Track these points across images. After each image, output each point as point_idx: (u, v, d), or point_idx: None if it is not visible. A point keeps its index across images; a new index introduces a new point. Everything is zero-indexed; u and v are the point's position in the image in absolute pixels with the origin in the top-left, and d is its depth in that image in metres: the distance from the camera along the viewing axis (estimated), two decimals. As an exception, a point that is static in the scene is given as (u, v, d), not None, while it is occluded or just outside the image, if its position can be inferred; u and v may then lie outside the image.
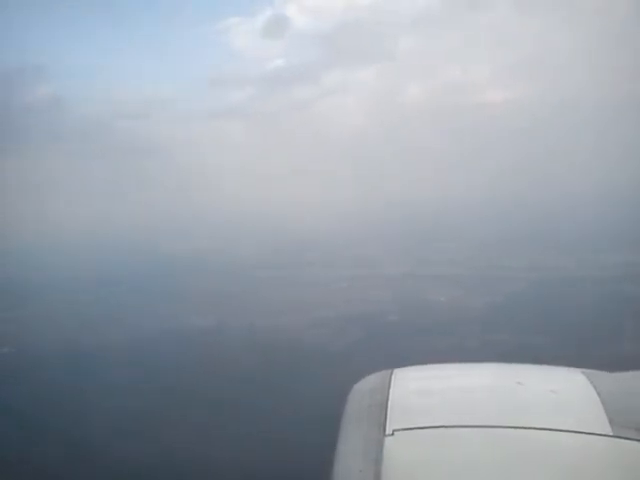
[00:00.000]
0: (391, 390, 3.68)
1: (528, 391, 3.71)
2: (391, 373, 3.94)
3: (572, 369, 4.10)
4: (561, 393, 3.63)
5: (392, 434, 3.23)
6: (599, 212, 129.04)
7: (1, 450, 39.64)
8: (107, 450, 39.38)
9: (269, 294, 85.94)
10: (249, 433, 40.53)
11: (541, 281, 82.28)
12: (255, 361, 53.16)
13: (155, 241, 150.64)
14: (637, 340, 49.09)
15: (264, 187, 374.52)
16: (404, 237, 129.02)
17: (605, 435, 3.17)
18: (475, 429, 3.28)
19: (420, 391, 3.78)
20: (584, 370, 4.02)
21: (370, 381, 3.94)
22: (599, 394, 3.52)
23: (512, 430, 3.24)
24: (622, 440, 3.13)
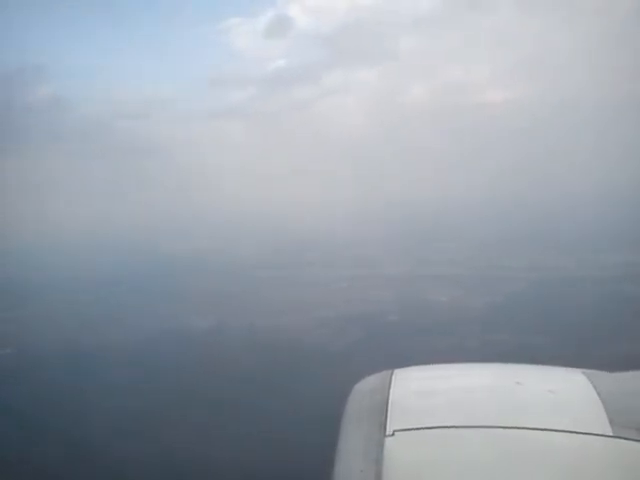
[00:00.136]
0: (391, 390, 3.68)
1: (528, 391, 3.71)
2: (391, 373, 3.94)
3: (572, 369, 4.10)
4: (561, 393, 3.63)
5: (392, 434, 3.23)
6: (599, 212, 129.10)
7: (4, 450, 39.60)
8: (108, 450, 39.40)
9: (269, 294, 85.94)
10: (249, 433, 40.53)
11: (541, 281, 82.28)
12: (255, 361, 53.19)
13: (155, 241, 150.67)
14: (637, 340, 49.14)
15: (265, 187, 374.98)
16: (404, 237, 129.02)
17: (605, 435, 3.17)
18: (475, 429, 3.28)
19: (420, 391, 3.78)
20: (584, 370, 4.02)
21: (370, 381, 3.94)
22: (599, 394, 3.52)
23: (512, 430, 3.25)
24: (622, 440, 3.13)
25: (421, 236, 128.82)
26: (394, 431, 3.25)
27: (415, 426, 3.32)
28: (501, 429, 3.26)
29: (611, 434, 3.17)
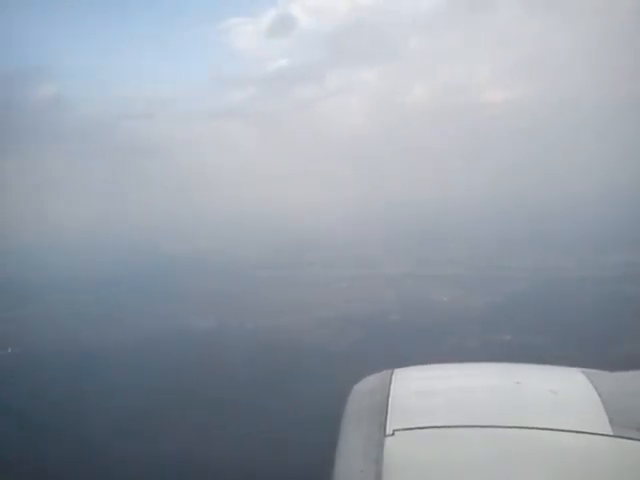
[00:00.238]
0: (391, 390, 3.68)
1: (528, 391, 3.72)
2: (391, 373, 3.94)
3: (572, 369, 4.11)
4: (561, 393, 3.63)
5: (392, 434, 3.23)
6: (599, 212, 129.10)
7: (9, 450, 39.60)
8: (110, 449, 39.39)
9: (269, 294, 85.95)
10: (249, 433, 40.55)
11: (541, 281, 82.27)
12: (255, 361, 53.16)
13: (155, 241, 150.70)
14: (637, 340, 49.15)
15: (265, 187, 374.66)
16: (404, 237, 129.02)
17: (605, 435, 3.17)
18: (475, 429, 3.28)
19: (420, 391, 3.79)
20: (584, 370, 4.02)
21: (370, 381, 3.94)
22: (599, 394, 3.52)
23: (512, 430, 3.25)
24: (622, 440, 3.13)
25: (421, 236, 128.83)
26: (394, 431, 3.25)
27: (415, 426, 3.32)
28: (501, 429, 3.26)
29: (611, 434, 3.17)
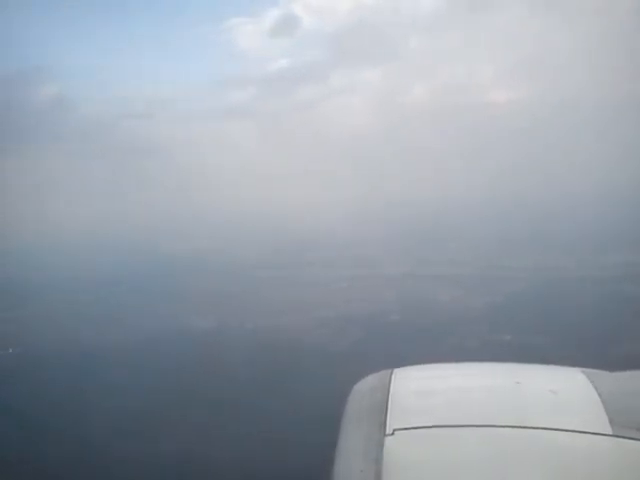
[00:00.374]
0: (391, 390, 3.68)
1: (528, 390, 3.72)
2: (391, 373, 3.94)
3: (572, 368, 4.11)
4: (561, 392, 3.63)
5: (392, 434, 3.23)
6: (599, 212, 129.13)
7: (14, 450, 39.62)
8: (112, 449, 39.42)
9: (269, 294, 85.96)
10: (249, 433, 40.57)
11: (541, 281, 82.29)
12: (255, 361, 53.16)
13: (155, 241, 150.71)
14: (637, 340, 49.16)
15: (266, 187, 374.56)
16: (404, 237, 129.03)
17: (605, 434, 3.17)
18: (475, 429, 3.28)
19: (420, 391, 3.79)
20: (584, 369, 4.02)
21: (370, 381, 3.95)
22: (599, 394, 3.52)
23: (512, 430, 3.25)
24: (622, 440, 3.13)
25: (421, 236, 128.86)
26: (394, 430, 3.25)
27: (415, 425, 3.32)
28: (501, 428, 3.26)
29: (611, 433, 3.17)
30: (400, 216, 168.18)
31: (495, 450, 3.14)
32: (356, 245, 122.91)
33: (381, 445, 3.15)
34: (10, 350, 64.50)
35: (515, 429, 3.24)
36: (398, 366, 4.09)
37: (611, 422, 3.24)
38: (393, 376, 3.89)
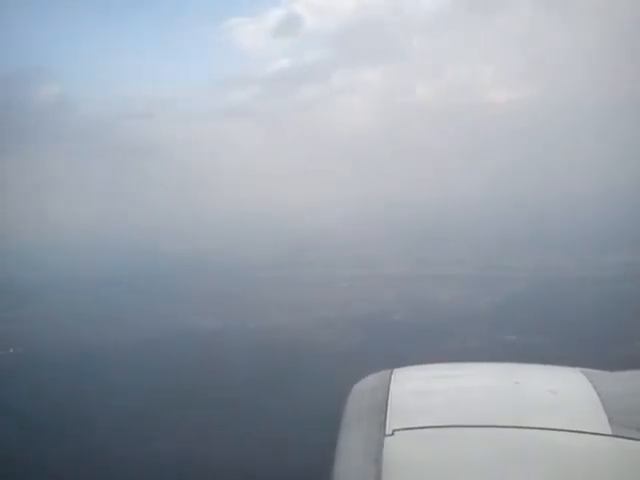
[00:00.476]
0: (391, 390, 3.68)
1: (528, 390, 3.72)
2: (391, 373, 3.95)
3: (572, 369, 4.11)
4: (561, 392, 3.63)
5: (392, 434, 3.23)
6: (599, 212, 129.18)
7: (18, 451, 39.64)
8: (112, 449, 39.44)
9: (270, 294, 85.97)
10: (249, 433, 40.56)
11: (541, 281, 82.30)
12: (257, 361, 53.14)
13: (155, 241, 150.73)
14: (637, 340, 49.19)
15: (267, 187, 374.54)
16: (404, 237, 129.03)
17: (605, 435, 3.17)
18: (475, 429, 3.29)
19: (420, 391, 3.79)
20: (584, 369, 4.03)
21: (370, 381, 3.95)
22: (599, 394, 3.52)
23: (512, 430, 3.25)
24: (622, 440, 3.13)
25: (421, 236, 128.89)
26: (394, 430, 3.25)
27: (415, 425, 3.33)
28: (501, 428, 3.27)
29: (611, 433, 3.17)
30: (400, 216, 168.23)
31: (495, 450, 3.14)
32: (356, 245, 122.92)
33: (381, 445, 3.15)
34: (11, 350, 64.50)
35: (515, 429, 3.25)
36: (399, 366, 4.09)
37: (611, 422, 3.24)
38: (393, 376, 3.89)
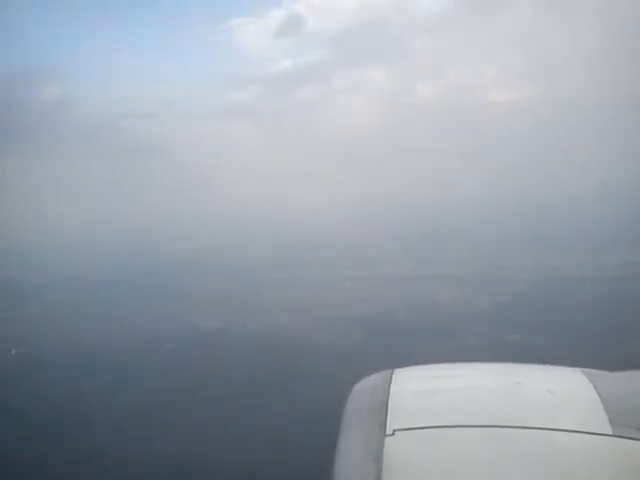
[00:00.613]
0: (391, 390, 3.69)
1: (528, 390, 3.72)
2: (391, 373, 3.95)
3: (572, 368, 4.11)
4: (561, 392, 3.64)
5: (392, 434, 3.23)
6: (599, 212, 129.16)
7: (27, 453, 39.64)
8: (113, 449, 39.43)
9: (270, 294, 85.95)
10: (249, 433, 40.54)
11: (541, 281, 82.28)
12: (257, 361, 53.12)
13: (155, 241, 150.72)
14: (637, 340, 49.19)
15: (268, 187, 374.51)
16: (404, 237, 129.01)
17: (605, 434, 3.17)
18: (476, 429, 3.29)
19: (420, 391, 3.80)
20: (584, 369, 4.03)
21: (370, 381, 3.95)
22: (599, 393, 3.52)
23: (512, 430, 3.25)
24: (622, 440, 3.14)
25: (421, 236, 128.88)
26: (394, 430, 3.26)
27: (415, 426, 3.33)
28: (501, 428, 3.27)
29: (611, 433, 3.17)
30: (400, 216, 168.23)
31: (495, 450, 3.14)
32: (356, 245, 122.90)
33: (381, 445, 3.15)
34: (13, 351, 64.44)
35: (515, 429, 3.25)
36: (399, 366, 4.09)
37: (611, 422, 3.24)
38: (393, 376, 3.89)
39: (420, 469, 3.09)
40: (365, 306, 75.85)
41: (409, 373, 4.07)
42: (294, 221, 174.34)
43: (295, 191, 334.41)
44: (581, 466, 3.05)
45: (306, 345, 59.59)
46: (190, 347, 60.78)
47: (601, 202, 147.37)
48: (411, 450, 3.19)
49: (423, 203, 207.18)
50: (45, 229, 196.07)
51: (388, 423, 3.32)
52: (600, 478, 2.99)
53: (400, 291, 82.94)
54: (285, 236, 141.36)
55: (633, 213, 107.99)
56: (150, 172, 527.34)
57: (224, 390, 46.66)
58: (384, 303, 76.67)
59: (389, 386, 3.74)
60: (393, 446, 3.15)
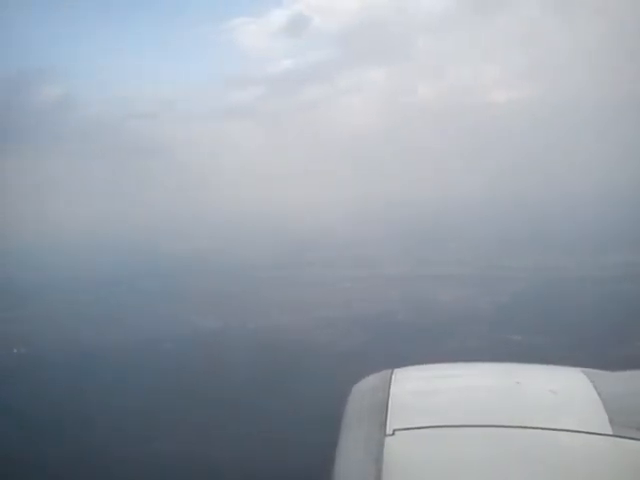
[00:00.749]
0: (392, 390, 3.68)
1: (528, 390, 3.72)
2: (391, 373, 3.95)
3: (572, 368, 4.11)
4: (561, 392, 3.64)
5: (393, 434, 3.23)
6: (599, 212, 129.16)
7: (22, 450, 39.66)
8: (113, 449, 39.44)
9: (270, 294, 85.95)
10: (249, 433, 40.55)
11: (541, 281, 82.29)
12: (257, 361, 53.13)
13: (155, 241, 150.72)
14: (637, 340, 49.20)
15: (269, 187, 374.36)
16: (404, 237, 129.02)
17: (605, 434, 3.17)
18: (476, 429, 3.29)
19: (420, 391, 3.80)
20: (584, 369, 4.03)
21: (371, 381, 3.95)
22: (599, 393, 3.52)
23: (512, 430, 3.25)
24: (622, 439, 3.13)
25: (421, 236, 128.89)
26: (394, 430, 3.25)
27: (415, 425, 3.33)
28: (501, 428, 3.27)
29: (611, 433, 3.17)
30: (400, 216, 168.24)
31: (495, 450, 3.14)
32: (356, 245, 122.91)
33: (381, 445, 3.15)
34: (15, 351, 64.46)
35: (515, 429, 3.25)
36: (399, 366, 4.09)
37: (611, 422, 3.24)
38: (393, 376, 3.89)
39: (420, 469, 3.09)
40: (365, 306, 75.86)
41: (409, 373, 4.07)
42: (294, 221, 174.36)
43: (295, 191, 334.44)
44: (581, 466, 3.05)
45: (306, 345, 59.59)
46: (190, 347, 60.78)
47: (601, 202, 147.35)
48: (411, 450, 3.19)
49: (423, 203, 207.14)
50: (45, 229, 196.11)
51: (388, 423, 3.32)
52: (600, 478, 2.99)
53: (400, 291, 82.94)
54: (285, 236, 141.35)
55: (633, 213, 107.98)
56: (150, 172, 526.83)
57: (224, 390, 46.67)
58: (384, 303, 76.67)
59: (389, 386, 3.74)
60: (393, 446, 3.14)
